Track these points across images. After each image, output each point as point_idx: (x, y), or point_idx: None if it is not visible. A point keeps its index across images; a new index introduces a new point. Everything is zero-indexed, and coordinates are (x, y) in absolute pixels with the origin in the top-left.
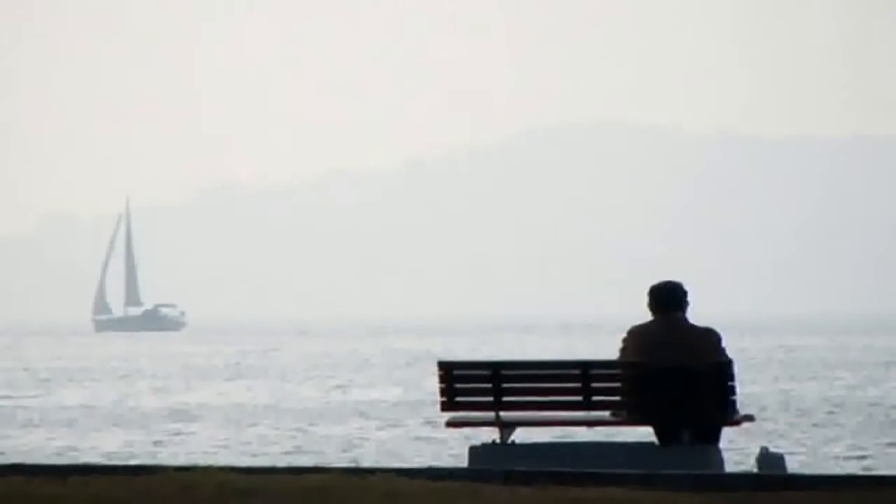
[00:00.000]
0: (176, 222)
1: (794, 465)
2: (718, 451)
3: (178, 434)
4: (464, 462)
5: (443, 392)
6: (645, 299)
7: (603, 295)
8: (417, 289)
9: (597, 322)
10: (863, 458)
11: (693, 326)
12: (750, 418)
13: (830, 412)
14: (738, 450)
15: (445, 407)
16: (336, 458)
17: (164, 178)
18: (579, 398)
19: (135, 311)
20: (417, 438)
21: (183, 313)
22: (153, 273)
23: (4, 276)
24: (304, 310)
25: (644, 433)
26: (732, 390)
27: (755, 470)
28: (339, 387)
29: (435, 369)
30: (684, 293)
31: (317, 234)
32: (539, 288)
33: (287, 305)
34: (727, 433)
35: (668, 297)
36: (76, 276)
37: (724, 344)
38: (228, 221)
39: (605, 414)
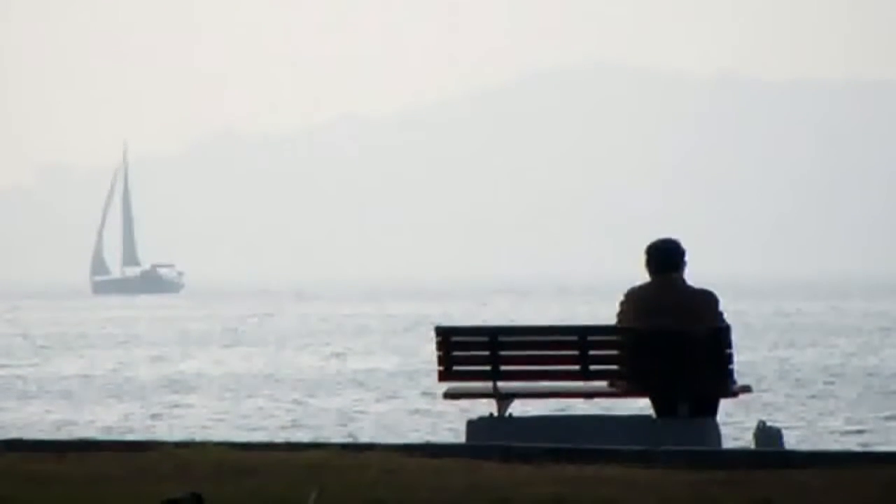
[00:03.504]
0: (172, 173)
1: (791, 441)
2: (716, 425)
3: (175, 406)
4: (461, 436)
5: (440, 360)
6: (643, 257)
7: (601, 251)
8: (415, 245)
9: (595, 281)
10: (860, 432)
11: (690, 289)
12: (748, 389)
13: (828, 382)
14: (735, 423)
15: (443, 376)
16: (334, 433)
17: (161, 125)
18: (577, 367)
19: (132, 271)
20: (415, 411)
21: (181, 274)
22: (150, 228)
23: (4, 229)
24: (302, 268)
25: (642, 405)
26: (730, 358)
27: (753, 445)
28: (336, 355)
29: (432, 336)
30: (682, 253)
31: (315, 186)
32: (537, 244)
33: (285, 263)
34: (724, 405)
35: (664, 258)
36: (75, 229)
37: (721, 307)
38: (225, 172)
39: (603, 384)
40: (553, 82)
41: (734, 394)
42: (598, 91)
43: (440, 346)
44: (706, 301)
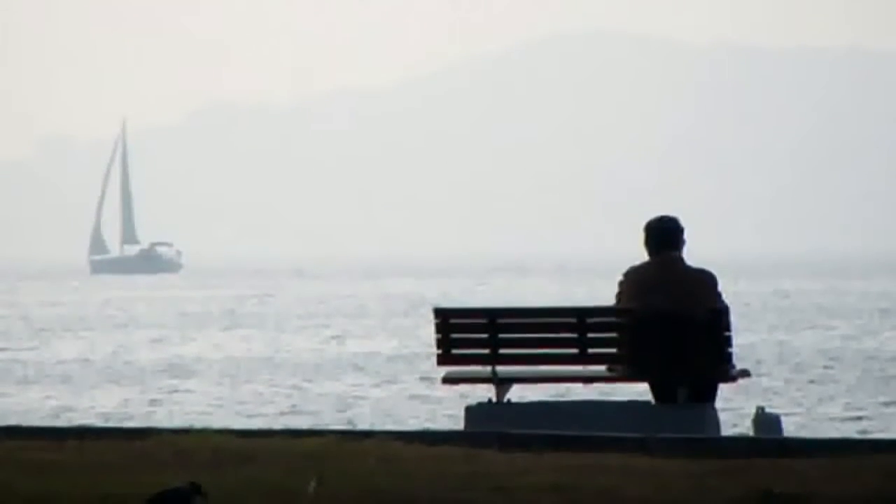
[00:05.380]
0: (170, 144)
1: (790, 427)
2: (714, 412)
3: (174, 391)
4: (460, 422)
5: (439, 343)
6: (642, 235)
7: (600, 226)
8: (414, 220)
9: (594, 259)
10: (859, 419)
11: (689, 269)
12: (746, 374)
13: (827, 367)
14: (734, 409)
15: (441, 360)
16: (332, 419)
17: (159, 96)
18: (575, 350)
19: (131, 249)
20: (414, 397)
21: (179, 252)
22: (149, 203)
23: (4, 204)
24: (301, 245)
25: (641, 389)
26: (728, 341)
27: (752, 432)
28: (334, 338)
29: (430, 317)
30: (681, 230)
31: (313, 159)
32: (535, 219)
33: (284, 240)
34: (723, 390)
35: (663, 236)
36: (74, 204)
37: (720, 288)
38: (222, 144)
39: (602, 368)
40: (551, 50)
41: (733, 378)
42: (596, 59)
43: (439, 328)
44: (705, 281)
